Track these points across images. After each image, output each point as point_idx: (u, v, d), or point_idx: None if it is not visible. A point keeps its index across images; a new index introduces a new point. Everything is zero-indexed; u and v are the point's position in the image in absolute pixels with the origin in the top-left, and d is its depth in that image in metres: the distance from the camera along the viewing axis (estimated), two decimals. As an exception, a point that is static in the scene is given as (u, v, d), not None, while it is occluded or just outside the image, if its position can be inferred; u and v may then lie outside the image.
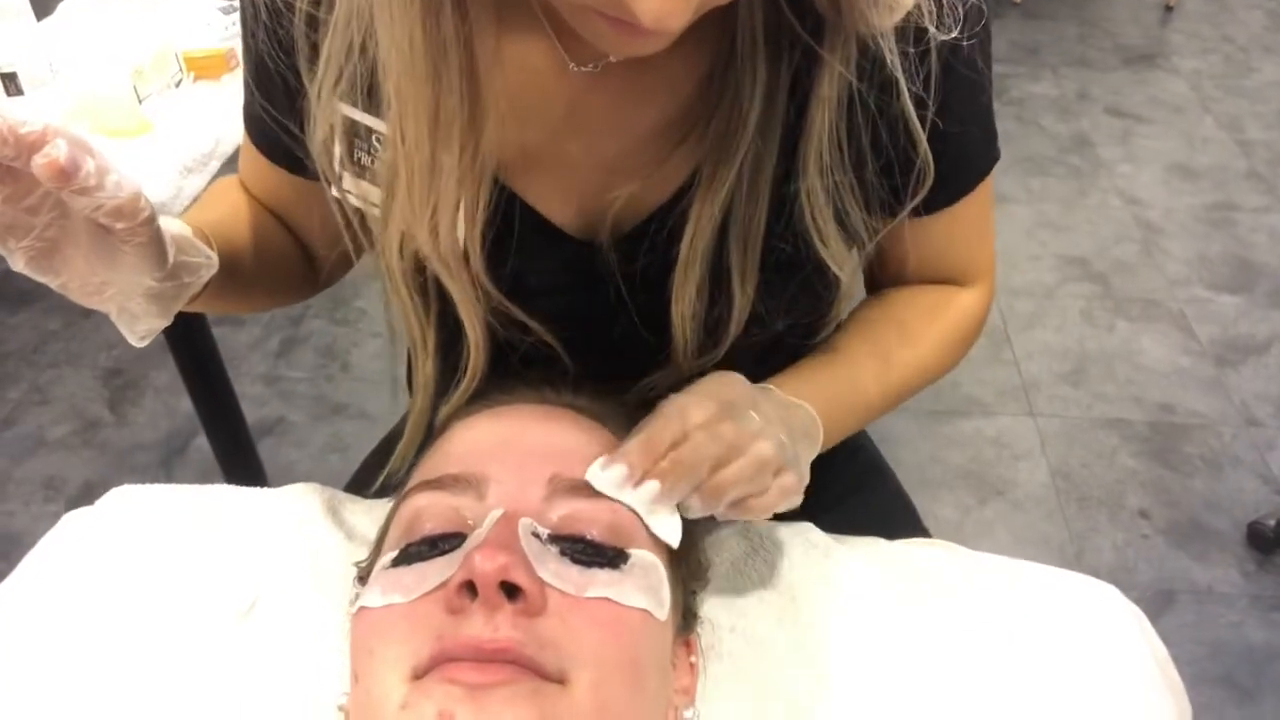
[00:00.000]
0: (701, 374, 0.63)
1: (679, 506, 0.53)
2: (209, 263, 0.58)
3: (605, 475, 0.51)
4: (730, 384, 0.58)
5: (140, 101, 1.16)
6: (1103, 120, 2.88)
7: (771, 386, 0.63)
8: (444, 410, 0.63)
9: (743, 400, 0.56)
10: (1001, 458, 1.86)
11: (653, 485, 0.51)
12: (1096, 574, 0.68)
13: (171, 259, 0.53)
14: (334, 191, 0.62)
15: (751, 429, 0.54)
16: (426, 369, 0.63)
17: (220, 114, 1.22)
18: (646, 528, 0.52)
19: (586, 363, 0.64)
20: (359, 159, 0.60)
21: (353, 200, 0.62)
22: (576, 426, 0.57)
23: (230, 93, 1.28)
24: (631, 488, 0.51)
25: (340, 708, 0.53)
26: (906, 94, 0.56)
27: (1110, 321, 2.16)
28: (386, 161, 0.56)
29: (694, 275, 0.58)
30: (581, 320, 0.63)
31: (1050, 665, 0.61)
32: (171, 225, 0.56)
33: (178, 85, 1.22)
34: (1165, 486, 1.79)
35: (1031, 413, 1.95)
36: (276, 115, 0.64)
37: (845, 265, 0.62)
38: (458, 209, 0.55)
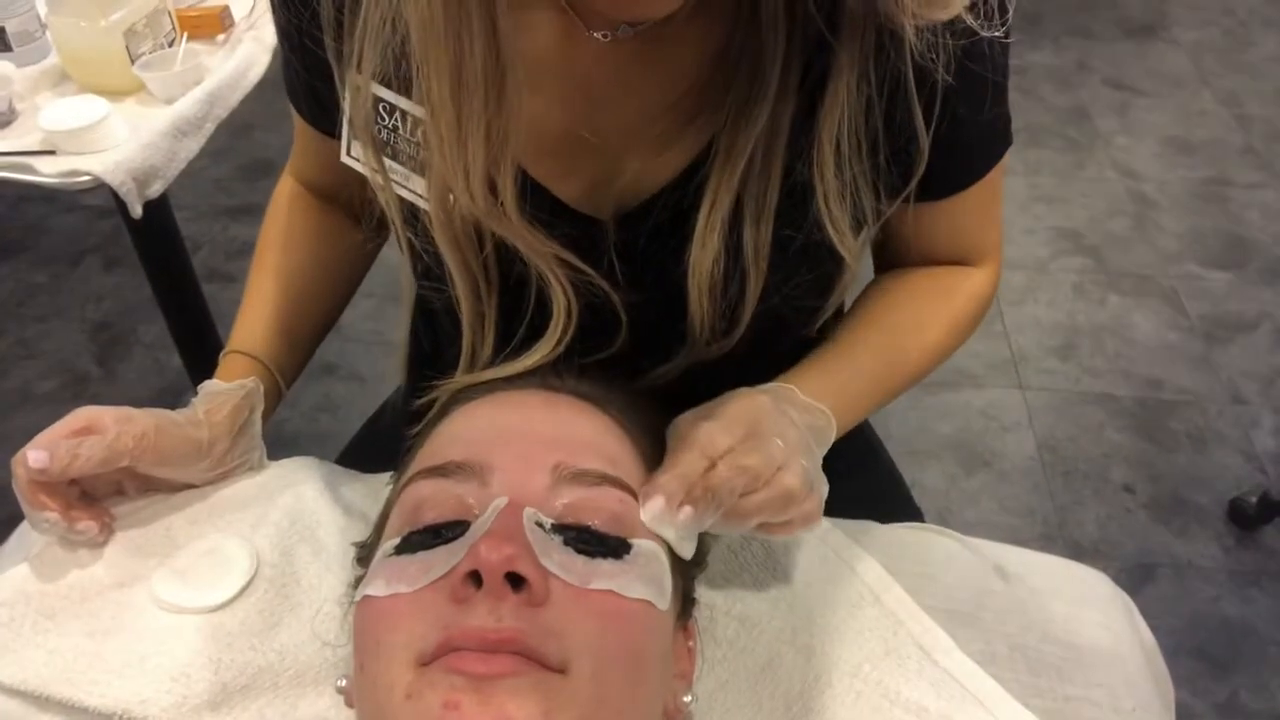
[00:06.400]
0: (714, 363, 0.63)
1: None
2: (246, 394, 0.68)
3: (647, 509, 0.53)
4: (754, 405, 0.58)
5: (132, 61, 1.14)
6: (1101, 92, 2.86)
7: (792, 387, 0.63)
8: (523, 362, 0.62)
9: (767, 423, 0.57)
10: (989, 429, 1.88)
11: (686, 513, 0.52)
12: (1079, 546, 0.69)
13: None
14: (371, 172, 0.62)
15: (776, 459, 0.55)
16: (487, 340, 0.63)
17: (214, 75, 1.20)
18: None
19: (595, 348, 0.64)
20: (389, 139, 0.60)
21: (405, 194, 0.61)
22: (580, 414, 0.57)
23: (224, 53, 1.26)
24: (670, 518, 0.52)
25: (340, 690, 0.53)
26: (913, 82, 0.56)
27: (1102, 296, 2.17)
28: (424, 126, 0.56)
29: (711, 248, 0.58)
30: (587, 300, 0.62)
31: (1041, 652, 0.62)
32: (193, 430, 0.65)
33: (170, 44, 1.20)
34: (1150, 461, 1.81)
35: (1020, 385, 1.97)
36: (315, 83, 0.64)
37: (852, 250, 0.62)
38: (493, 168, 0.54)
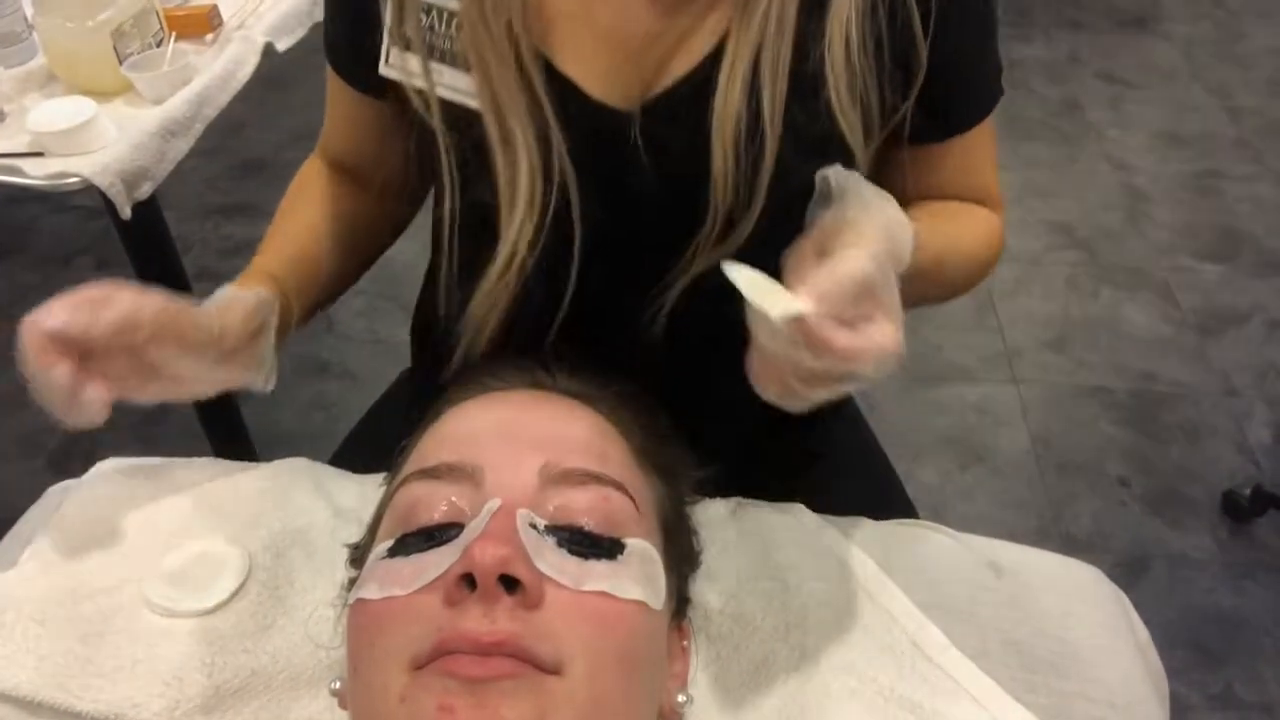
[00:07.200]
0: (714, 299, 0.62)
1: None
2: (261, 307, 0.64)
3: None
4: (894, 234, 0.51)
5: (120, 61, 1.13)
6: (1093, 84, 2.86)
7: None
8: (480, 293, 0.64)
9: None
10: (983, 424, 1.88)
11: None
12: (1074, 540, 0.69)
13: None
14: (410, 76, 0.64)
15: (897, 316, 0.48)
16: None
17: (203, 75, 1.19)
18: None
19: (609, 245, 0.64)
20: (428, 39, 0.62)
21: (443, 92, 0.63)
22: (570, 412, 0.57)
23: (213, 52, 1.25)
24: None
25: (333, 692, 0.53)
26: None
27: (1095, 289, 2.17)
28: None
29: (734, 104, 0.59)
30: (609, 191, 0.63)
31: (1036, 648, 0.62)
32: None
33: (159, 44, 1.19)
34: (1144, 454, 1.82)
35: (1014, 379, 1.97)
36: (365, 3, 0.65)
37: (860, 146, 0.63)
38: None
